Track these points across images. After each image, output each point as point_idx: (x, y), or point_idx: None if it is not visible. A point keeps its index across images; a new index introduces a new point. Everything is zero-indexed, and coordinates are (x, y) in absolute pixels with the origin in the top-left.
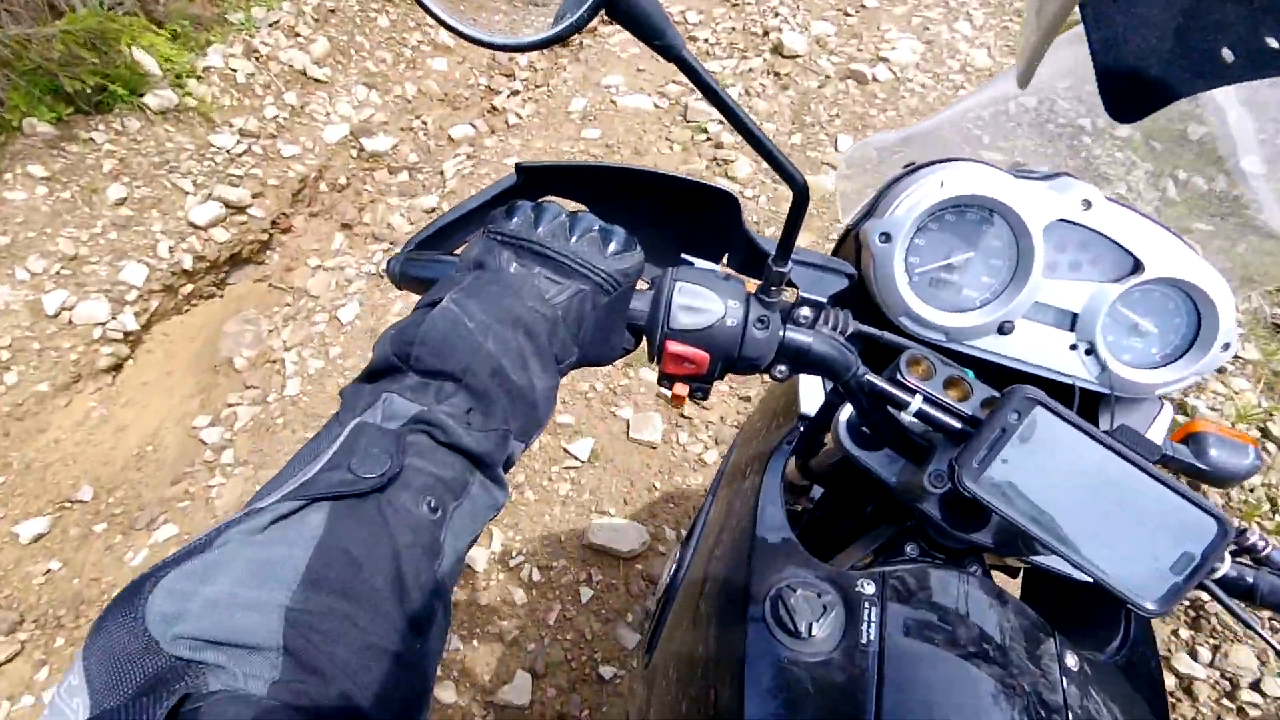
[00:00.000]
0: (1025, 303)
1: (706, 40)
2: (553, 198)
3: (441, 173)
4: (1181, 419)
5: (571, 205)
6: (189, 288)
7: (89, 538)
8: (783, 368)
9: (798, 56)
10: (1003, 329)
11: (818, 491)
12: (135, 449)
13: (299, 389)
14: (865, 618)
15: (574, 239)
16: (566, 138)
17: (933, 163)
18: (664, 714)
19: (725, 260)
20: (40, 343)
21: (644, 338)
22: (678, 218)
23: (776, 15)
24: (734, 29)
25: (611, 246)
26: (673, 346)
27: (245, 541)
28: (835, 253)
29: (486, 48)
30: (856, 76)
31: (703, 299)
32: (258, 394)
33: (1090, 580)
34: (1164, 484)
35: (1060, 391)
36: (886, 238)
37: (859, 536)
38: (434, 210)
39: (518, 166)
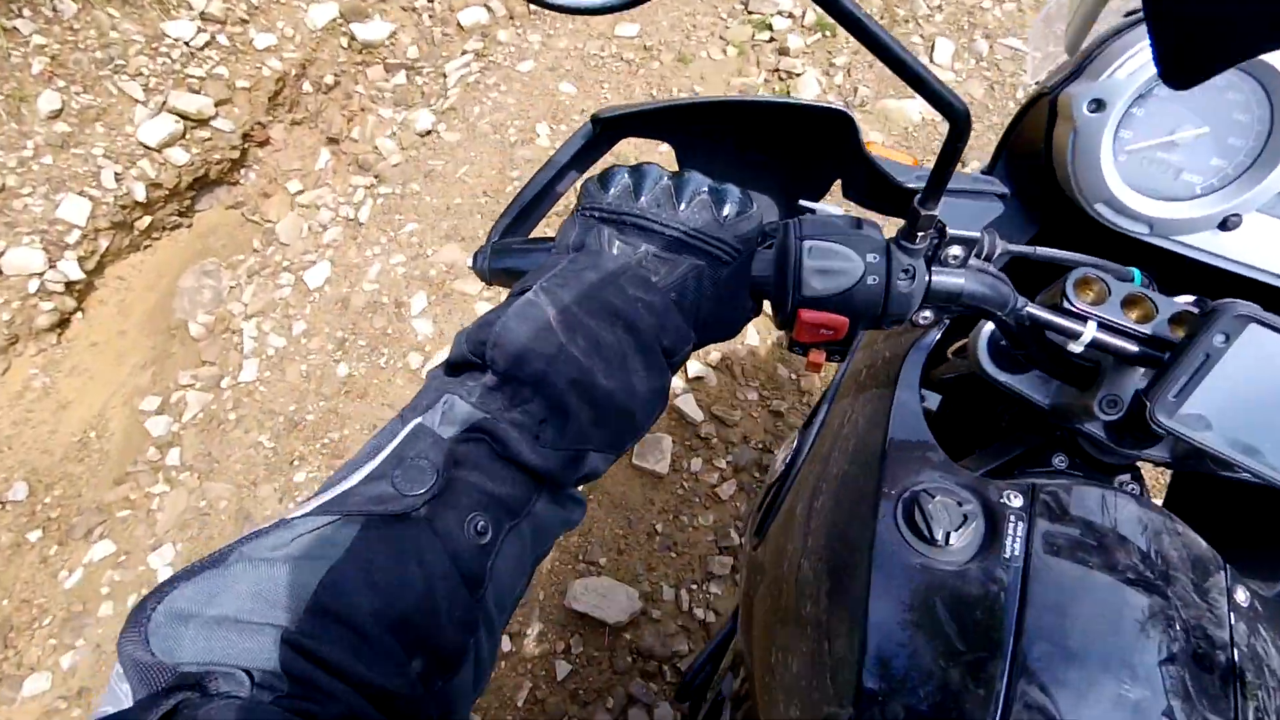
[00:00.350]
0: (1266, 192)
1: None
2: (635, 141)
3: (444, 75)
4: None
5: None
6: (146, 220)
7: (22, 547)
8: (927, 313)
9: None
10: (1226, 223)
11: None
12: (78, 434)
13: (256, 373)
14: (1010, 531)
15: (683, 206)
16: (597, 34)
17: None
18: (775, 599)
19: (840, 188)
20: None
21: (766, 301)
22: (780, 149)
23: None
24: None
25: (726, 209)
26: (807, 315)
27: (259, 560)
28: (1016, 125)
29: (560, 11)
30: None
31: (838, 259)
32: (212, 374)
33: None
34: None
35: (1260, 296)
36: (1098, 105)
37: (991, 443)
38: (429, 133)
39: (594, 119)
